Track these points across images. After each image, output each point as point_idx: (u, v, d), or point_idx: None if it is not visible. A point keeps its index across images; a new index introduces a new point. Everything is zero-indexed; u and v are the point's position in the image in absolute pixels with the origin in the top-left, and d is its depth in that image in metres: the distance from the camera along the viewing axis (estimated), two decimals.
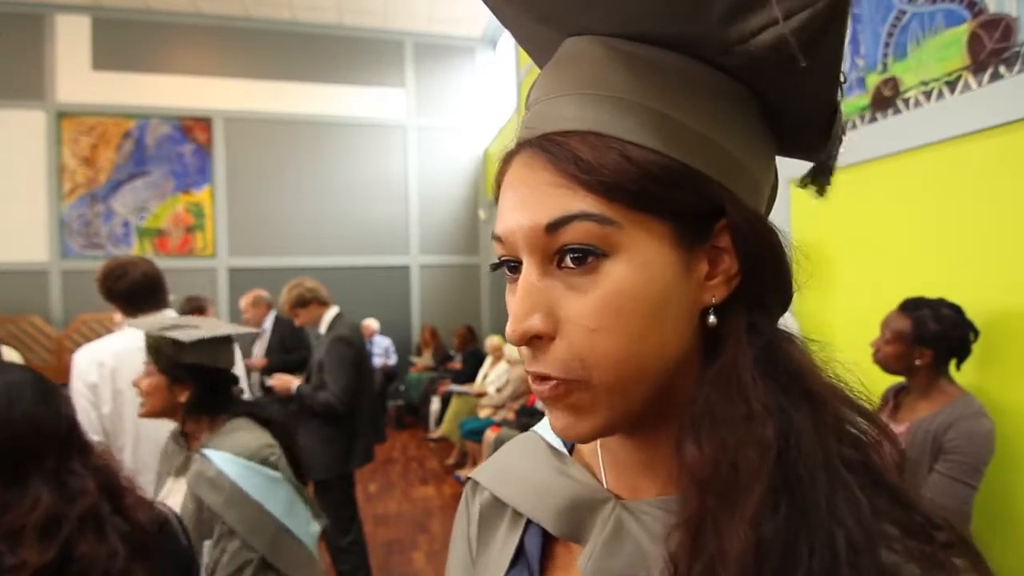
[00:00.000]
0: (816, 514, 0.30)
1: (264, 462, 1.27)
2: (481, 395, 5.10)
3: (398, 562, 3.26)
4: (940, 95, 1.68)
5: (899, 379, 1.62)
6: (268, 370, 3.54)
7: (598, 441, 0.44)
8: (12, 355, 2.10)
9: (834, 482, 0.31)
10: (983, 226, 1.57)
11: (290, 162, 6.64)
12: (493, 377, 5.11)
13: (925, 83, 1.73)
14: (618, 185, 0.32)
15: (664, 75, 0.34)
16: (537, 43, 0.42)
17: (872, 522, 0.31)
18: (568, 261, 0.33)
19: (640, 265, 0.33)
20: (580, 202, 0.33)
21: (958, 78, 1.62)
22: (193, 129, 6.42)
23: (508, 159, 0.37)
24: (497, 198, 0.38)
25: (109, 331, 1.93)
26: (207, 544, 1.18)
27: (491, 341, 5.40)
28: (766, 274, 0.36)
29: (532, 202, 0.34)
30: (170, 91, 6.33)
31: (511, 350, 4.88)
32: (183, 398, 1.30)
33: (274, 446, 1.32)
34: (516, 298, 0.35)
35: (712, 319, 0.35)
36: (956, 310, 1.51)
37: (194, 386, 1.30)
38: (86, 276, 6.09)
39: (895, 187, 1.83)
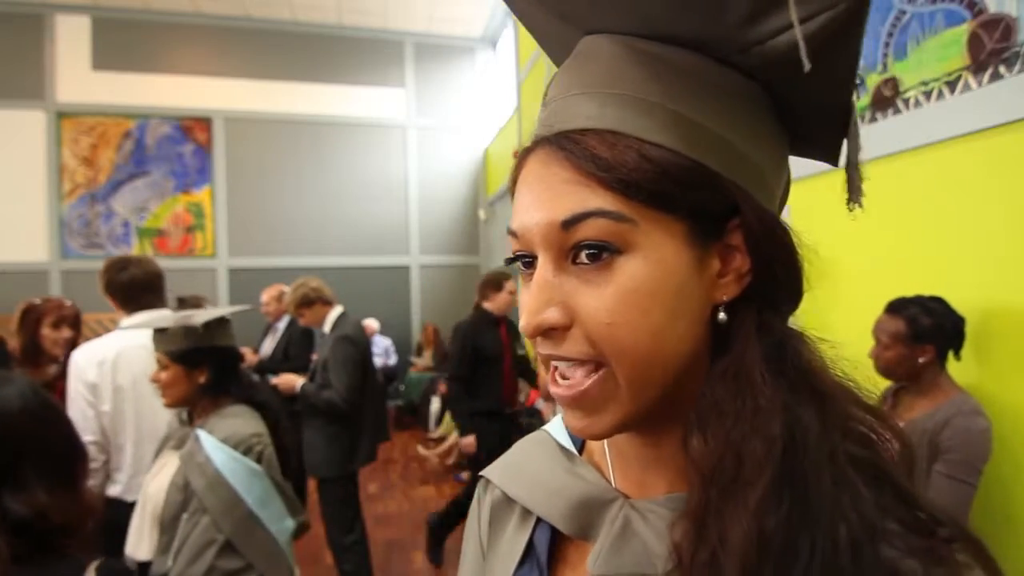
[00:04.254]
0: (819, 509, 0.30)
1: (249, 450, 1.36)
2: None
3: (398, 562, 3.26)
4: (940, 95, 1.68)
5: None
6: (258, 371, 3.54)
7: (606, 440, 0.44)
8: None
9: (838, 478, 0.31)
10: (983, 226, 1.57)
11: (290, 162, 6.64)
12: None
13: (925, 83, 1.73)
14: (635, 183, 0.33)
15: (681, 75, 0.35)
16: (554, 40, 0.42)
17: (875, 518, 0.31)
18: (583, 257, 0.34)
19: (654, 262, 0.33)
20: (597, 199, 0.33)
21: (958, 78, 1.62)
22: (193, 129, 6.42)
23: (524, 156, 0.38)
24: (513, 194, 0.38)
25: (109, 331, 1.93)
26: (184, 516, 1.29)
27: None
28: (777, 273, 0.36)
29: (549, 199, 0.34)
30: (170, 91, 6.33)
31: None
32: (203, 379, 1.41)
33: (263, 435, 1.41)
34: (531, 293, 0.35)
35: (722, 316, 0.36)
36: (941, 302, 1.52)
37: (210, 366, 1.41)
38: (86, 276, 6.13)
39: (895, 187, 1.83)
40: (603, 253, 0.33)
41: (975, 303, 1.55)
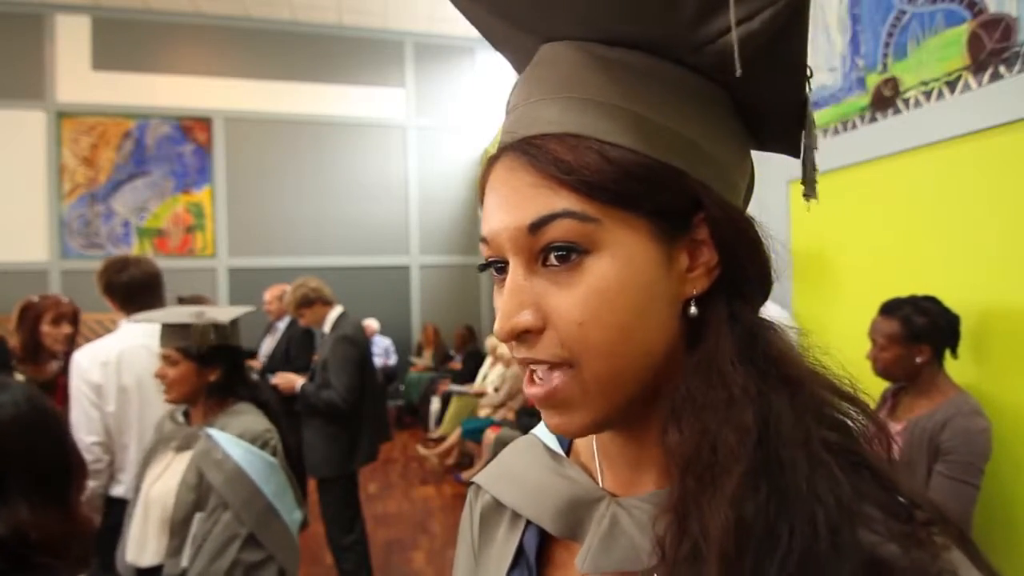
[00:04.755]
0: (796, 494, 0.30)
1: (265, 445, 1.37)
2: (481, 395, 5.10)
3: (398, 562, 3.26)
4: (940, 95, 1.68)
5: None
6: (260, 374, 3.54)
7: (594, 441, 0.45)
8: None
9: (814, 463, 0.32)
10: (983, 226, 1.57)
11: (290, 162, 6.63)
12: (493, 377, 5.11)
13: (925, 83, 1.73)
14: (598, 184, 0.33)
15: (638, 77, 0.35)
16: (514, 49, 0.43)
17: (852, 502, 0.31)
18: (552, 259, 0.34)
19: (622, 260, 0.34)
20: (562, 201, 0.34)
21: (958, 78, 1.62)
22: (193, 129, 6.42)
23: (491, 164, 0.38)
24: (482, 202, 0.39)
25: (109, 331, 1.93)
26: (199, 516, 1.28)
27: (491, 341, 5.40)
28: (745, 264, 0.37)
29: (515, 203, 0.35)
30: (170, 91, 6.33)
31: (505, 349, 4.88)
32: (213, 377, 1.40)
33: (273, 431, 1.42)
34: (503, 297, 0.36)
35: (693, 310, 0.36)
36: (935, 301, 1.52)
37: (222, 365, 1.40)
38: (86, 276, 6.09)
39: (895, 187, 1.83)
40: (571, 254, 0.34)
41: (974, 303, 1.55)
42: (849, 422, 0.35)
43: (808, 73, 0.36)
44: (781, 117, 0.39)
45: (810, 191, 0.40)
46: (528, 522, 0.45)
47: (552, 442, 0.48)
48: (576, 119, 0.35)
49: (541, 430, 0.50)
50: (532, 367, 0.36)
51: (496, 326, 0.36)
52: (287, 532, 1.37)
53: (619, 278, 0.34)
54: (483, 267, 0.39)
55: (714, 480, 0.32)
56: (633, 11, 0.33)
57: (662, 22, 0.33)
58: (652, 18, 0.33)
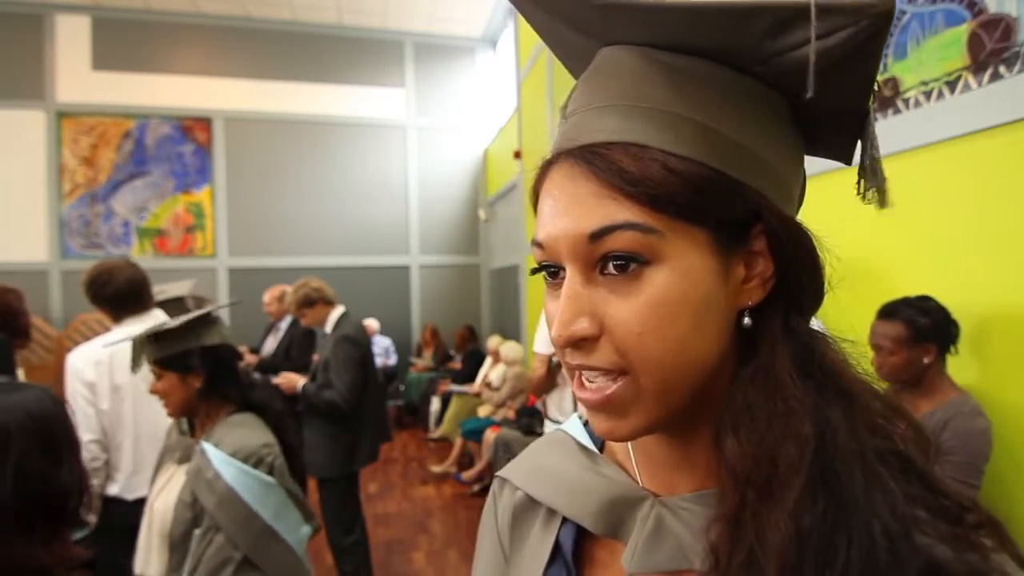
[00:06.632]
0: (853, 506, 0.31)
1: (260, 462, 1.29)
2: (479, 394, 5.09)
3: (398, 562, 3.26)
4: (940, 95, 1.68)
5: None
6: (260, 370, 3.54)
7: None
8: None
9: (869, 474, 0.32)
10: (983, 226, 1.57)
11: (290, 162, 6.63)
12: (493, 378, 5.11)
13: (925, 83, 1.72)
14: (662, 196, 0.33)
15: (701, 85, 0.35)
16: (571, 51, 0.43)
17: (907, 511, 0.32)
18: (611, 268, 0.35)
19: (682, 272, 0.34)
20: (624, 212, 0.34)
21: (958, 78, 1.62)
22: (193, 129, 6.42)
23: (546, 168, 0.38)
24: (535, 206, 0.39)
25: (108, 331, 1.94)
26: (197, 533, 1.23)
27: (491, 341, 5.39)
28: (800, 276, 0.37)
29: (575, 211, 0.35)
30: (170, 91, 6.32)
31: (508, 351, 4.88)
32: (198, 384, 1.35)
33: (272, 445, 1.35)
34: (561, 304, 0.36)
35: (747, 321, 0.37)
36: (931, 299, 1.53)
37: (205, 369, 1.36)
38: None
39: (895, 187, 1.82)
40: (631, 264, 0.34)
41: (975, 303, 1.55)
42: (894, 428, 0.36)
43: (875, 87, 0.36)
44: (838, 126, 0.40)
45: (881, 201, 0.42)
46: (563, 519, 0.45)
47: (585, 439, 0.48)
48: (639, 128, 0.34)
49: (571, 426, 0.50)
50: (584, 373, 0.37)
51: (553, 333, 0.36)
52: (290, 553, 1.29)
53: (678, 290, 0.34)
54: (535, 271, 0.40)
55: (773, 492, 0.32)
56: (704, 21, 0.33)
57: (733, 33, 0.33)
58: (723, 28, 0.33)
